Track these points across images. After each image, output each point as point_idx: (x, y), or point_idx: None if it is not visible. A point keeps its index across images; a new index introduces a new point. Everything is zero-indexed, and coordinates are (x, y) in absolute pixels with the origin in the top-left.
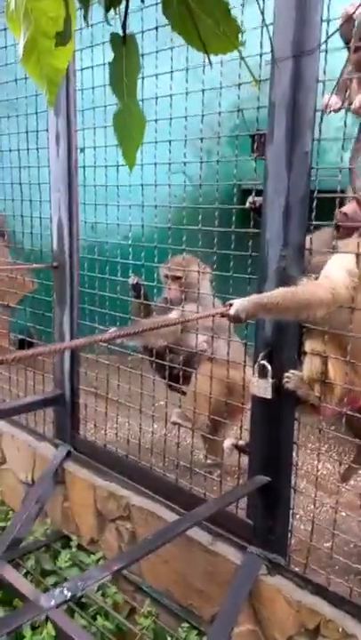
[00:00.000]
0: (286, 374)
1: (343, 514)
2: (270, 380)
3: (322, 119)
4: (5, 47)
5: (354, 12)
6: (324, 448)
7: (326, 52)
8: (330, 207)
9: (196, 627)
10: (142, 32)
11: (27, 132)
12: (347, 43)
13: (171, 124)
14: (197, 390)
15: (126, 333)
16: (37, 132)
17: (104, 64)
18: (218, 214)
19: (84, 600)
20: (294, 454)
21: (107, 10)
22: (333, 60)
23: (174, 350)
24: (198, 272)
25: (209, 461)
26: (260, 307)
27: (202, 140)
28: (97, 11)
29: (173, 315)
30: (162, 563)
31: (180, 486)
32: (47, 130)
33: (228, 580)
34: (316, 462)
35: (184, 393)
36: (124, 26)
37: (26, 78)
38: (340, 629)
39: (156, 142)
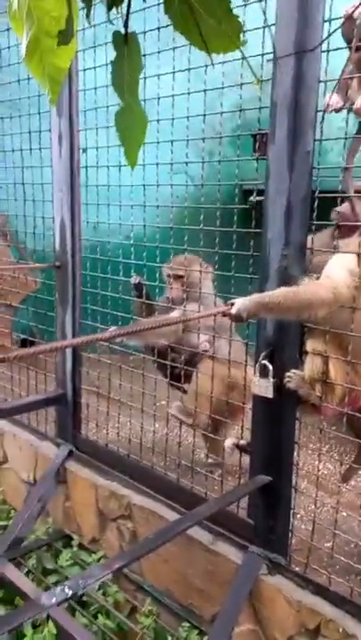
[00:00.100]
0: (288, 374)
1: (344, 514)
2: (272, 380)
3: (323, 119)
4: (8, 47)
5: (353, 12)
6: (325, 448)
7: (328, 51)
8: (331, 207)
9: (196, 626)
10: (144, 32)
11: (29, 133)
12: (348, 42)
13: (173, 125)
14: (198, 389)
15: (126, 332)
16: (40, 132)
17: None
18: (219, 214)
19: (85, 599)
20: (295, 454)
21: (109, 9)
22: (335, 60)
23: (176, 350)
24: (200, 272)
25: (210, 461)
26: (261, 306)
27: (204, 140)
28: (99, 11)
29: (175, 314)
30: (163, 562)
31: (182, 486)
32: (50, 130)
33: (228, 579)
34: (317, 462)
35: (185, 392)
36: (126, 24)
37: (29, 79)
38: (341, 629)
39: (158, 142)
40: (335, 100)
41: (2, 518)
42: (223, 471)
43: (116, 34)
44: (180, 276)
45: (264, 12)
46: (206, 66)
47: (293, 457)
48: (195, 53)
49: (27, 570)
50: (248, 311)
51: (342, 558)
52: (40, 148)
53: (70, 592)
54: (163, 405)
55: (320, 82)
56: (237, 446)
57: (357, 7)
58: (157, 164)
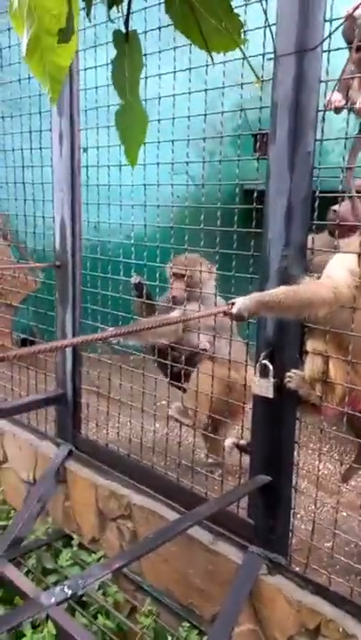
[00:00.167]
0: (288, 374)
1: (344, 514)
2: (272, 380)
3: (324, 119)
4: (9, 47)
5: (354, 11)
6: (325, 448)
7: (329, 51)
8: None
9: (196, 626)
10: (145, 32)
11: (30, 132)
12: (348, 43)
13: (173, 124)
14: (196, 388)
15: (126, 332)
16: (41, 131)
17: (107, 64)
18: (220, 214)
19: (84, 599)
20: (295, 454)
21: (109, 7)
22: (336, 60)
23: (176, 349)
24: (200, 271)
25: (210, 461)
26: (262, 305)
27: (204, 139)
28: (100, 10)
29: (175, 314)
30: (163, 562)
31: (182, 485)
32: (50, 129)
33: (228, 579)
34: (317, 462)
35: (185, 391)
36: (126, 23)
37: (29, 78)
38: (341, 629)
39: (158, 142)
40: (337, 97)
41: (2, 518)
42: (223, 471)
43: (116, 32)
44: (183, 276)
45: (265, 12)
46: (207, 65)
47: (294, 457)
48: (196, 53)
49: (26, 570)
50: (249, 310)
51: (342, 558)
52: (41, 148)
53: (70, 592)
54: (163, 405)
55: (321, 82)
56: (237, 446)
57: (358, 7)
58: (158, 164)
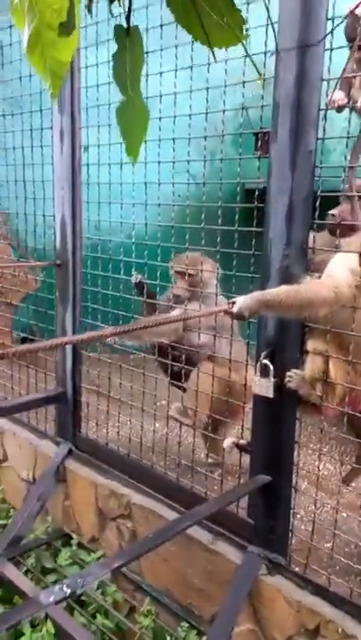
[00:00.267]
0: (288, 373)
1: (344, 514)
2: (272, 380)
3: (326, 118)
4: (10, 45)
5: (356, 8)
6: (325, 449)
7: (331, 49)
8: (334, 206)
9: (195, 626)
10: (147, 30)
11: (31, 130)
12: (350, 41)
13: (175, 123)
14: (196, 388)
15: (125, 330)
16: (42, 129)
17: (108, 61)
18: (221, 213)
19: (83, 598)
20: (295, 454)
21: (111, 1)
22: (338, 58)
23: (177, 348)
24: (202, 271)
25: (210, 460)
26: (262, 304)
27: (206, 138)
28: (101, 8)
29: (175, 313)
30: (162, 562)
31: (181, 485)
32: (51, 127)
33: (228, 579)
34: (317, 463)
35: (185, 390)
36: (128, 17)
37: (30, 76)
38: (340, 630)
39: (159, 140)
40: (339, 95)
41: (1, 517)
42: (223, 471)
43: (118, 27)
44: (185, 274)
45: (267, 8)
46: (209, 64)
47: (294, 457)
48: (197, 51)
49: (25, 569)
50: (250, 309)
51: (342, 559)
52: (41, 146)
53: (69, 590)
54: (163, 405)
55: (323, 80)
56: (237, 445)
57: (360, 5)
58: (159, 163)
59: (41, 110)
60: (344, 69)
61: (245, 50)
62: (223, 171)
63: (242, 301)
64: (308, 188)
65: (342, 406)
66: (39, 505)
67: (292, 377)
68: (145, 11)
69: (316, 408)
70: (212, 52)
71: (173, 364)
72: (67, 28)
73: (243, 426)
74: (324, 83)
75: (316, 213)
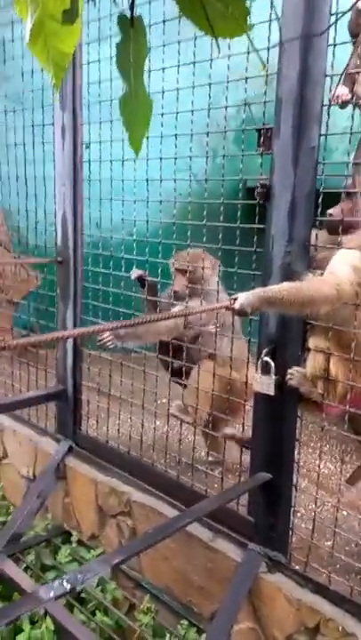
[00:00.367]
0: (289, 371)
1: (344, 513)
2: (273, 377)
3: (329, 114)
4: (12, 41)
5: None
6: (326, 447)
7: (335, 45)
8: (336, 203)
9: (195, 624)
10: (149, 25)
11: (32, 126)
12: (354, 36)
13: (177, 119)
14: (196, 385)
15: (124, 325)
16: (43, 125)
17: (110, 58)
18: (223, 210)
19: (83, 595)
20: (296, 452)
21: None
22: (341, 54)
23: (179, 339)
24: (203, 267)
25: (210, 458)
26: (264, 300)
27: (208, 134)
28: (103, 5)
29: (176, 309)
30: (162, 559)
31: (182, 483)
32: (53, 124)
33: (228, 577)
34: (317, 461)
35: (186, 387)
36: (131, 7)
37: (32, 72)
38: (340, 628)
39: (161, 137)
40: (342, 91)
41: (1, 514)
42: (223, 469)
43: (121, 16)
44: (186, 271)
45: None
46: (211, 60)
47: (294, 454)
48: (200, 47)
49: (25, 566)
50: (251, 306)
51: (342, 557)
52: (43, 142)
53: (69, 586)
54: (164, 403)
55: (326, 76)
56: (236, 440)
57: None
58: (161, 159)
59: (43, 107)
60: (347, 65)
61: (250, 40)
62: (225, 167)
63: (243, 298)
64: (311, 184)
65: (343, 404)
66: (39, 502)
67: (294, 374)
68: (147, 6)
69: (318, 406)
70: (217, 43)
71: (174, 360)
72: (70, 15)
73: (243, 423)
74: (328, 78)
75: (319, 210)
